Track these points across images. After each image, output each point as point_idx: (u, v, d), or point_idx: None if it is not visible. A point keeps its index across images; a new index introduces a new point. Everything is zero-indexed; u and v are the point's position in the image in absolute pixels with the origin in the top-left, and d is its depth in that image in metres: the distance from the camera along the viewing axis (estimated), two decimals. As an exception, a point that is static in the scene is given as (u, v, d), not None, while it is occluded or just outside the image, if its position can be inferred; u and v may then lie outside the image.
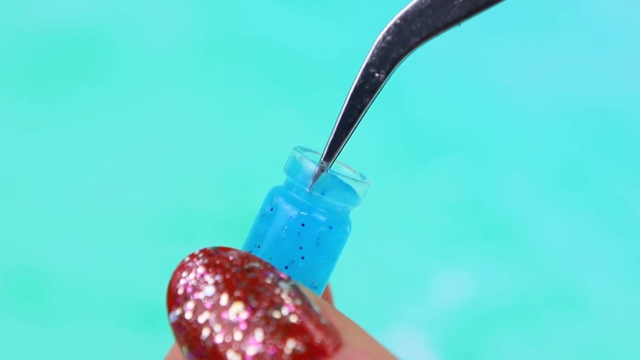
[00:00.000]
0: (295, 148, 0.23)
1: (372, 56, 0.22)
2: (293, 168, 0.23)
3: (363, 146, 0.60)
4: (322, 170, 0.22)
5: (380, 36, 0.22)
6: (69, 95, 0.65)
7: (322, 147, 0.23)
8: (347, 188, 0.23)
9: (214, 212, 0.60)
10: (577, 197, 0.65)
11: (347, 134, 0.22)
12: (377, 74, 0.22)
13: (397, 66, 0.22)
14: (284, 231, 0.22)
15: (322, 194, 0.22)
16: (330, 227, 0.22)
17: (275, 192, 0.23)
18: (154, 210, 0.59)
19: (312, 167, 0.22)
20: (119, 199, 0.59)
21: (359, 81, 0.22)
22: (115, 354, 0.53)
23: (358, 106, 0.22)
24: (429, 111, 0.68)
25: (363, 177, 0.23)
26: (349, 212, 0.23)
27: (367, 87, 0.22)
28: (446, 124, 0.68)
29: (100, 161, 0.62)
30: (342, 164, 0.23)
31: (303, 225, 0.22)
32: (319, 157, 0.23)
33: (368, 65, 0.22)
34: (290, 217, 0.22)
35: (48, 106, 0.64)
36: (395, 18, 0.22)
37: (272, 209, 0.23)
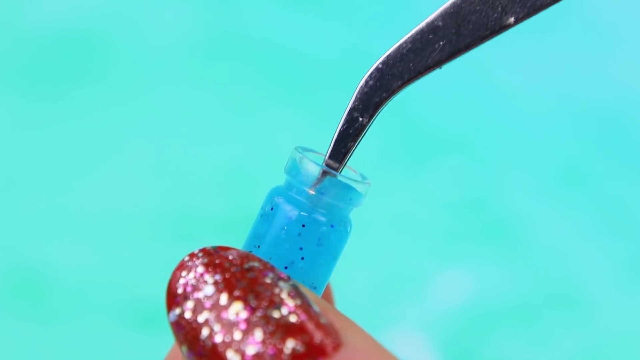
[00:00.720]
0: (295, 148, 0.23)
1: (355, 101, 0.23)
2: (293, 168, 0.23)
3: (363, 146, 0.60)
4: (325, 173, 0.22)
5: (362, 81, 0.23)
6: (69, 95, 0.65)
7: (322, 146, 0.23)
8: (348, 188, 0.22)
9: (214, 212, 0.60)
10: (577, 197, 0.65)
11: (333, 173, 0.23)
12: (360, 118, 0.22)
13: (380, 110, 0.22)
14: (283, 231, 0.22)
15: (323, 194, 0.22)
16: (332, 226, 0.22)
17: (275, 192, 0.23)
18: (154, 210, 0.59)
19: (313, 168, 0.22)
20: (118, 199, 0.59)
21: (342, 125, 0.23)
22: (115, 354, 0.53)
23: (342, 150, 0.23)
24: (429, 111, 0.68)
25: (364, 177, 0.23)
26: (349, 212, 0.23)
27: (351, 131, 0.23)
28: (446, 124, 0.68)
29: (100, 161, 0.62)
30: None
31: (303, 225, 0.22)
32: (319, 157, 0.23)
33: (352, 110, 0.23)
34: (291, 217, 0.22)
35: (48, 106, 0.64)
36: (377, 63, 0.22)
37: (272, 209, 0.22)
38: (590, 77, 0.72)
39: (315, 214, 0.22)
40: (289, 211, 0.22)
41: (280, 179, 0.23)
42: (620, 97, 0.72)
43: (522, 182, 0.65)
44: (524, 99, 0.70)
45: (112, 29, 0.69)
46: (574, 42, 0.75)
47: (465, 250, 0.61)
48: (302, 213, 0.22)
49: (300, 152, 0.23)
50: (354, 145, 0.23)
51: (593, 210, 0.64)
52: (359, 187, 0.23)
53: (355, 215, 0.23)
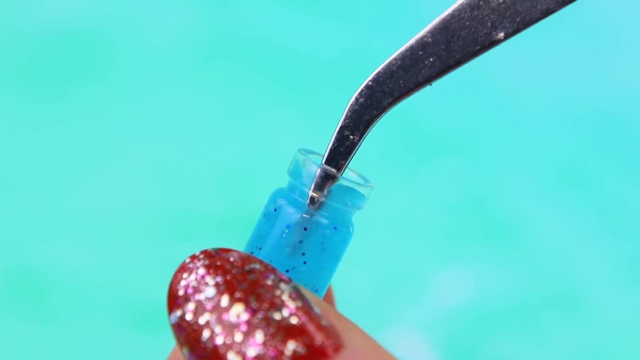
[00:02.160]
0: (299, 150, 0.23)
1: (345, 119, 0.22)
2: (297, 170, 0.23)
3: (363, 146, 0.60)
4: (327, 179, 0.22)
5: (352, 99, 0.22)
6: (69, 95, 0.65)
7: (323, 147, 0.23)
8: (351, 191, 0.22)
9: (214, 212, 0.60)
10: (577, 197, 0.65)
11: (324, 192, 0.23)
12: (351, 137, 0.22)
13: (370, 128, 0.22)
14: (285, 234, 0.22)
15: (325, 196, 0.22)
16: (335, 228, 0.22)
17: (278, 194, 0.23)
18: (154, 210, 0.59)
19: (316, 170, 0.22)
20: (118, 199, 0.59)
21: (333, 144, 0.22)
22: (115, 354, 0.53)
23: (335, 166, 0.22)
24: (429, 111, 0.68)
25: (366, 180, 0.23)
26: (352, 215, 0.23)
27: (342, 149, 0.22)
28: (446, 124, 0.68)
29: (100, 161, 0.62)
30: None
31: (305, 229, 0.22)
32: (321, 159, 0.23)
33: (342, 128, 0.22)
34: (293, 220, 0.22)
35: (48, 106, 0.64)
36: (367, 80, 0.22)
37: (275, 210, 0.22)
38: (590, 78, 0.73)
39: (318, 216, 0.22)
40: (292, 214, 0.22)
41: (280, 179, 0.23)
42: (620, 98, 0.72)
43: (522, 182, 0.65)
44: (524, 99, 0.70)
45: (112, 29, 0.69)
46: (574, 43, 0.75)
47: (465, 250, 0.61)
48: (304, 215, 0.22)
49: (303, 154, 0.23)
50: (345, 163, 0.22)
51: (593, 210, 0.64)
52: (361, 190, 0.23)
53: (356, 215, 0.24)
